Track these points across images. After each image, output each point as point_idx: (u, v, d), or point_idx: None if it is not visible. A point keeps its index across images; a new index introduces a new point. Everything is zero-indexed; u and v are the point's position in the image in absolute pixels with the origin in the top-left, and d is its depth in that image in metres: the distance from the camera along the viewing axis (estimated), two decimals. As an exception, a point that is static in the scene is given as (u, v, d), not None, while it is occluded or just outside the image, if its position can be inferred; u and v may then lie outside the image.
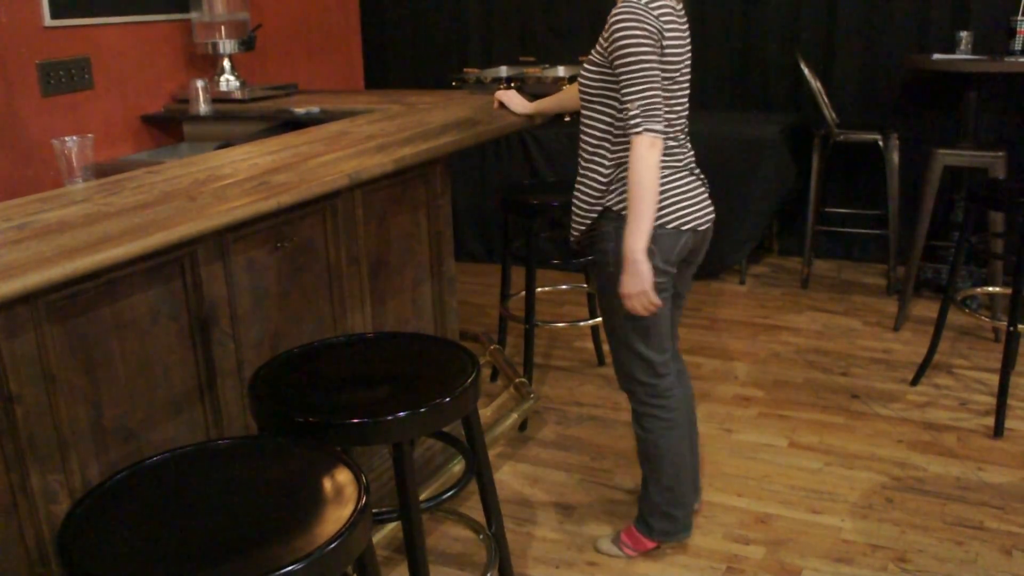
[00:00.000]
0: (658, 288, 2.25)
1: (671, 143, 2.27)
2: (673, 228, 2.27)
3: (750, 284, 4.72)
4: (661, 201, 2.24)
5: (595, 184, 2.32)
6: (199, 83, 3.69)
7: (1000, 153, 3.81)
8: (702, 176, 2.38)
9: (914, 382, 3.53)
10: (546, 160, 4.81)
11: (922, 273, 4.35)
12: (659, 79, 2.14)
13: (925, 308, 4.24)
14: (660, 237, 2.25)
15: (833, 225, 4.87)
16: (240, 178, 2.10)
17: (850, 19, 4.68)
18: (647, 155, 2.13)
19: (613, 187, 2.28)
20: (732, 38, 4.93)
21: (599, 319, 3.57)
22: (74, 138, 2.63)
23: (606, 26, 2.18)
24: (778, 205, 4.64)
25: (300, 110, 3.48)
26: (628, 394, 2.48)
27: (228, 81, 3.97)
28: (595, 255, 2.38)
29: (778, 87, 4.94)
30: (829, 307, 4.36)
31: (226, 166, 2.25)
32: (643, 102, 2.12)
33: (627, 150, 2.19)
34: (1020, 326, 3.12)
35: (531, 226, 3.25)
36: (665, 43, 2.15)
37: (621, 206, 2.25)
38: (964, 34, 4.15)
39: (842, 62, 4.74)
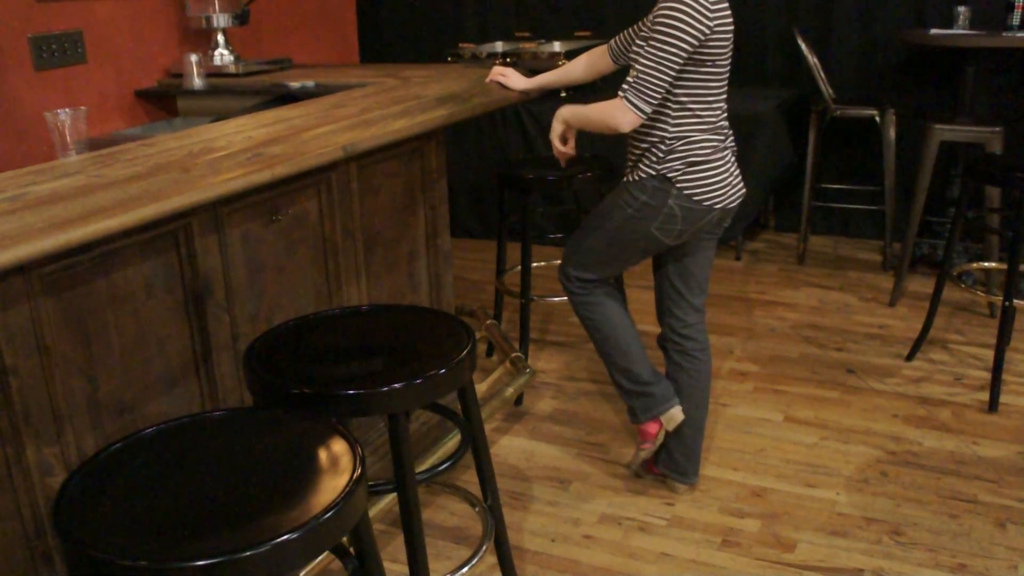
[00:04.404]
0: (649, 241, 2.46)
1: (714, 120, 2.36)
2: (706, 206, 2.39)
3: (746, 260, 4.72)
4: (700, 178, 2.37)
5: (656, 152, 2.38)
6: (193, 57, 3.66)
7: (997, 128, 3.81)
8: (735, 147, 2.49)
9: (909, 357, 3.54)
10: (542, 135, 4.79)
11: (918, 249, 4.36)
12: (672, 72, 2.22)
13: (921, 284, 4.25)
14: (691, 211, 2.38)
15: (829, 201, 4.86)
16: (234, 150, 2.09)
17: (848, -6, 4.66)
18: (619, 120, 2.26)
19: (670, 157, 2.36)
20: (729, 13, 4.90)
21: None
22: (67, 111, 2.62)
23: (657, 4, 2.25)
24: (774, 181, 4.63)
25: (295, 84, 3.46)
26: (565, 289, 2.67)
27: (222, 55, 3.94)
28: (623, 191, 2.47)
29: (775, 62, 4.91)
30: (825, 283, 4.37)
31: (220, 139, 2.24)
32: (645, 78, 2.21)
33: (682, 124, 2.33)
34: (1015, 301, 3.13)
35: (527, 201, 3.24)
36: (714, 26, 2.21)
37: (672, 174, 2.36)
38: (962, 9, 4.13)
39: (839, 37, 4.72)
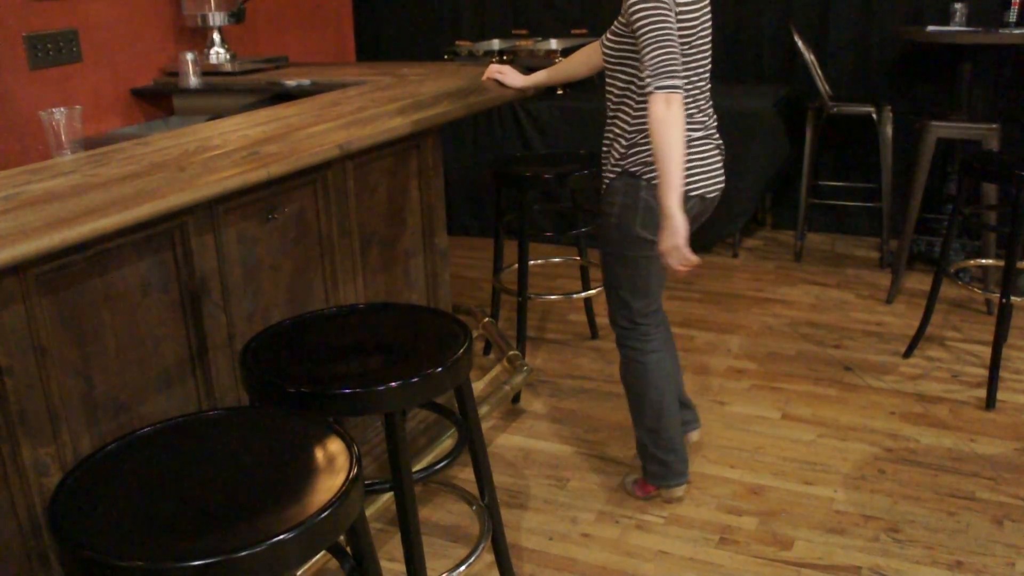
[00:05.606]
0: (641, 247, 2.38)
1: (689, 107, 2.31)
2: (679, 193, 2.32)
3: (743, 257, 4.72)
4: None
5: (617, 147, 2.38)
6: (189, 56, 3.65)
7: (994, 125, 3.80)
8: (720, 143, 2.44)
9: (907, 354, 3.54)
10: (538, 132, 4.79)
11: (915, 246, 4.36)
12: (675, 40, 2.16)
13: (918, 281, 4.25)
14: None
15: (826, 198, 4.86)
16: (230, 149, 2.08)
17: (844, -10, 4.65)
18: (664, 113, 2.15)
19: (632, 152, 2.34)
20: (725, 9, 4.89)
21: (592, 291, 3.57)
22: (62, 110, 2.62)
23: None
24: (771, 178, 4.62)
25: (291, 82, 3.45)
26: (617, 338, 2.60)
27: (218, 54, 3.93)
28: (603, 205, 2.44)
29: (771, 59, 4.91)
30: (822, 280, 4.36)
31: (216, 137, 2.23)
32: (654, 61, 2.15)
33: (641, 116, 2.30)
34: (1013, 298, 3.13)
35: (523, 198, 3.24)
36: (677, 10, 2.19)
37: (635, 168, 2.34)
38: (959, 6, 4.13)
39: (836, 34, 4.72)
